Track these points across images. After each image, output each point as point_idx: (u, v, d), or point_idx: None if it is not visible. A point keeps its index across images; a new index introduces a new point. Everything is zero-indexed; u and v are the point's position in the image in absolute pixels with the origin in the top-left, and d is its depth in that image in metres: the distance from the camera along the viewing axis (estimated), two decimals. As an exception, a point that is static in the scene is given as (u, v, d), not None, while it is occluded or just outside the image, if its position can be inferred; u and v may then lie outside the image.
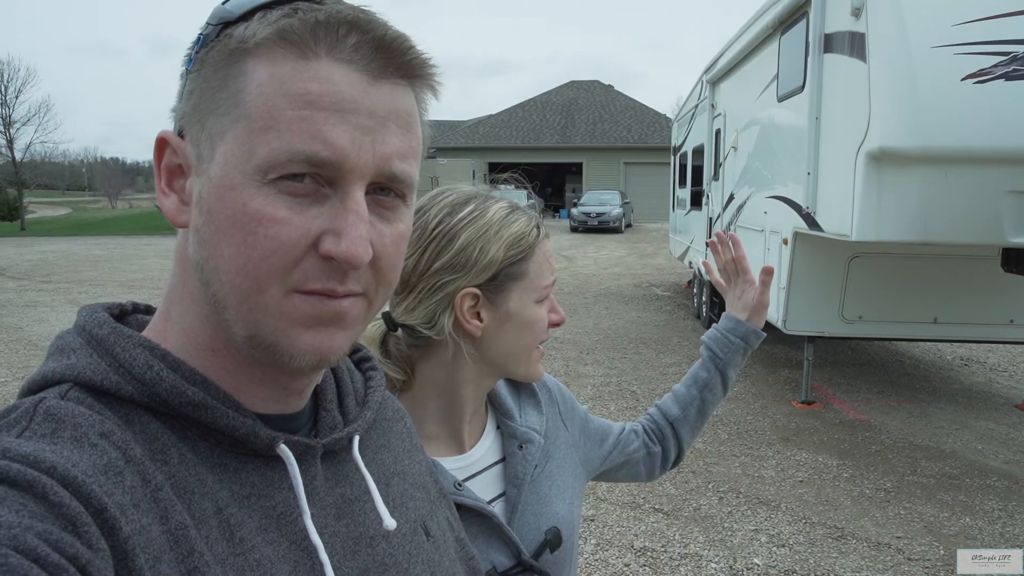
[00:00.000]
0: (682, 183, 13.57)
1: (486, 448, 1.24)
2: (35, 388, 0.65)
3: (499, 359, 1.19)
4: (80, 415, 0.61)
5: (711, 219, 10.31)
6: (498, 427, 1.27)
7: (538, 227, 1.18)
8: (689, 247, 12.59)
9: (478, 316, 1.15)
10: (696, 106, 11.84)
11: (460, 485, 1.14)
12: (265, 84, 0.62)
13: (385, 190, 0.67)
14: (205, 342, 0.69)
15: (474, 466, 1.21)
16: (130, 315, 0.76)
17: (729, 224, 9.05)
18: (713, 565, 4.13)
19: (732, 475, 5.42)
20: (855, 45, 5.28)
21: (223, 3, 0.66)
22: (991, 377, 8.28)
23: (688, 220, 12.74)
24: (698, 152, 11.57)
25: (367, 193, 0.65)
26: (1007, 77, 4.74)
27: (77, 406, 0.62)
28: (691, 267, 12.59)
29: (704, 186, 10.90)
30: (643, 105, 41.96)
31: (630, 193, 35.05)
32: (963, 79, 4.75)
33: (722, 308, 8.34)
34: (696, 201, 11.79)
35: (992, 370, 8.58)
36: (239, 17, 0.65)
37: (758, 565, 4.13)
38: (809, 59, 6.06)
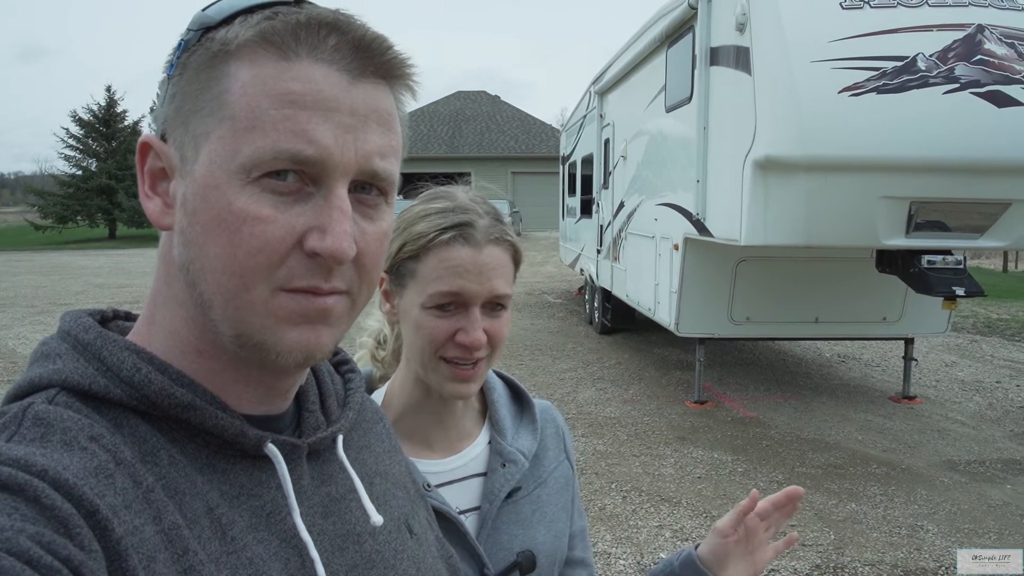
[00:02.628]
0: (572, 192, 13.80)
1: (470, 459, 1.23)
2: (21, 394, 0.65)
3: (410, 357, 1.19)
4: (69, 419, 0.61)
5: (602, 226, 10.55)
6: (490, 442, 1.26)
7: (448, 233, 1.10)
8: (580, 254, 12.84)
9: (390, 300, 1.20)
10: (585, 116, 12.08)
11: (429, 487, 1.15)
12: (249, 85, 0.63)
13: (367, 188, 0.69)
14: (191, 344, 0.69)
15: (452, 473, 1.21)
16: (111, 321, 0.75)
17: (620, 231, 9.27)
18: (622, 562, 4.23)
19: (633, 474, 5.56)
20: (740, 59, 5.53)
21: (203, 9, 0.68)
22: (866, 372, 8.81)
23: (578, 228, 12.98)
24: (587, 161, 11.80)
25: (349, 192, 0.66)
26: (878, 91, 5.07)
27: (66, 410, 0.62)
28: (582, 274, 12.84)
29: (594, 194, 11.12)
30: (530, 115, 42.51)
31: (518, 202, 35.35)
32: (840, 92, 5.06)
33: (615, 313, 8.39)
34: (586, 209, 12.01)
35: (867, 366, 9.13)
36: (220, 22, 0.66)
37: (664, 560, 4.25)
38: (696, 71, 6.30)
